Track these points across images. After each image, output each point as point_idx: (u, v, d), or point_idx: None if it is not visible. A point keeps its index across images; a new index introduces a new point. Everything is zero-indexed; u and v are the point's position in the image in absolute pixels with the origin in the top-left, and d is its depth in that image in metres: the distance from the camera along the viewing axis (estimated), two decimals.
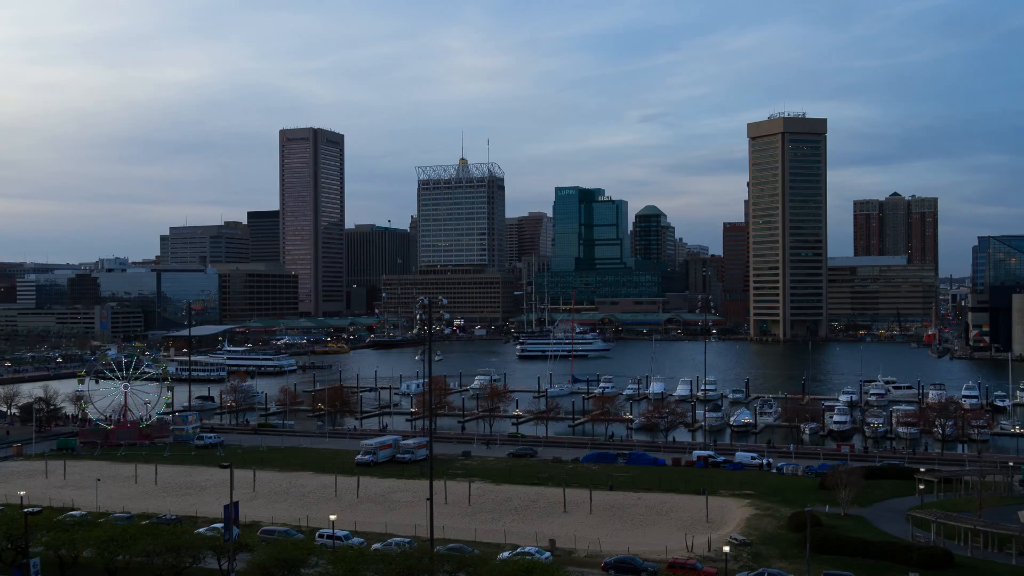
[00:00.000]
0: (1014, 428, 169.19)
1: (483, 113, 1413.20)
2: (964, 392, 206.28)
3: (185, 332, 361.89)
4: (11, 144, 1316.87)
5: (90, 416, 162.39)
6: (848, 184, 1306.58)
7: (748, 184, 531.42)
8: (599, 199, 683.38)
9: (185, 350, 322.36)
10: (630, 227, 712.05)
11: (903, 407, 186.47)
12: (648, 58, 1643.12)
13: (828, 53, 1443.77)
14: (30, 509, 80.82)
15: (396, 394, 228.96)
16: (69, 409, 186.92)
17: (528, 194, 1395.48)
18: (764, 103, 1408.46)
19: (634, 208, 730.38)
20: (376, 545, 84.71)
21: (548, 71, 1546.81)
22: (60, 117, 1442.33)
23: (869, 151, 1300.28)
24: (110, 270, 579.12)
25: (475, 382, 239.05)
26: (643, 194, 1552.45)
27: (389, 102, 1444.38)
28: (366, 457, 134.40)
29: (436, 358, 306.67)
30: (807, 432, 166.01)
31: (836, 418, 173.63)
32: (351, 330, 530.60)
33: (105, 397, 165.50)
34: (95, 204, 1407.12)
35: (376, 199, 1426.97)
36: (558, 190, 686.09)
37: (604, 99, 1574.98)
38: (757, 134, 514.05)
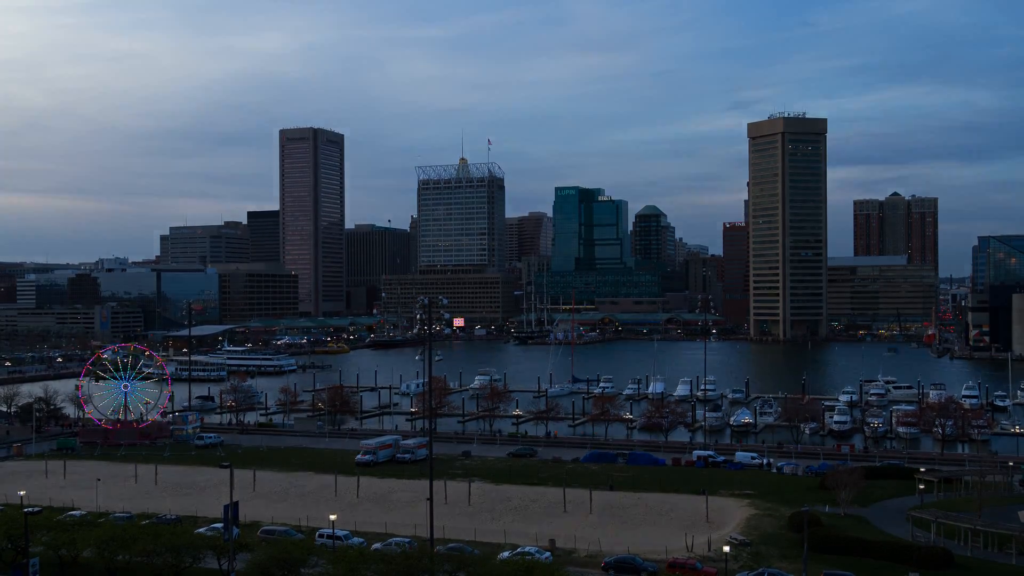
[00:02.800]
0: (1014, 428, 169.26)
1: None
2: (964, 392, 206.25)
3: (185, 332, 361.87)
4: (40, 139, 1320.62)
5: (91, 415, 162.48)
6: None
7: (748, 184, 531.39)
8: (599, 199, 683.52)
9: (185, 350, 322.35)
10: (630, 227, 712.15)
11: (903, 407, 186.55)
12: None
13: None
14: (30, 509, 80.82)
15: (396, 394, 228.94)
16: (69, 410, 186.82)
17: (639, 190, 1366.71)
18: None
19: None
20: (376, 545, 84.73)
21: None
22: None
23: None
24: (110, 270, 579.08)
25: (475, 382, 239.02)
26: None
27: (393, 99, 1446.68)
28: (366, 457, 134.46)
29: (436, 358, 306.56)
30: (807, 432, 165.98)
31: (836, 418, 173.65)
32: (351, 330, 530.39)
33: (105, 398, 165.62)
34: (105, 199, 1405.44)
35: (376, 199, 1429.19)
36: (558, 190, 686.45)
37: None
38: (757, 134, 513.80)
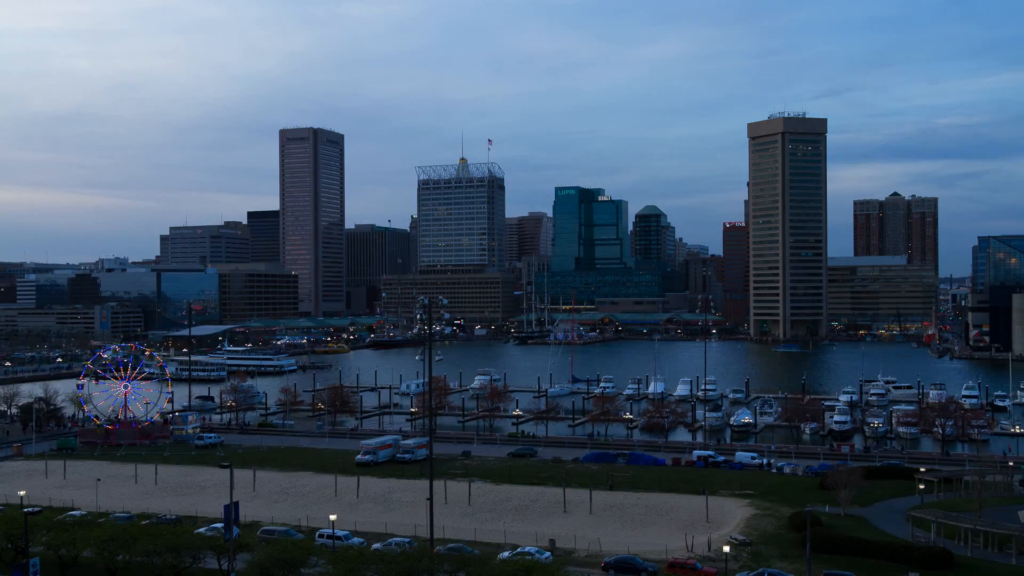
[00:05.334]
0: (1014, 428, 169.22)
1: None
2: (964, 392, 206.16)
3: (185, 332, 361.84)
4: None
5: (88, 414, 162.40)
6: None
7: (748, 184, 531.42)
8: (599, 199, 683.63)
9: (185, 350, 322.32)
10: (630, 227, 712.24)
11: (903, 407, 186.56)
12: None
13: None
14: (30, 509, 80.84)
15: (396, 394, 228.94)
16: (69, 410, 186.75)
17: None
18: None
19: None
20: (376, 545, 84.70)
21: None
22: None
23: None
24: (110, 270, 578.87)
25: (475, 382, 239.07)
26: None
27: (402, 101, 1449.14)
28: (366, 457, 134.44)
29: (436, 358, 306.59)
30: (807, 432, 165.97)
31: (836, 418, 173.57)
32: (351, 330, 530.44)
33: (105, 398, 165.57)
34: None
35: (376, 199, 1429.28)
36: (558, 190, 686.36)
37: None
38: (757, 134, 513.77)
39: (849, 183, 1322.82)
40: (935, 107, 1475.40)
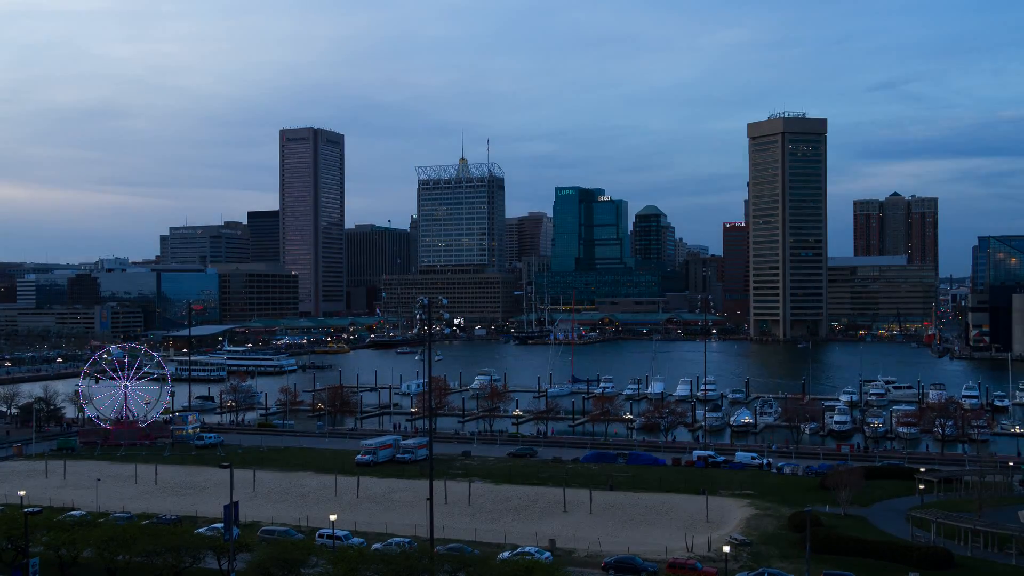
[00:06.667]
0: (1014, 428, 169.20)
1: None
2: (964, 392, 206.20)
3: (185, 332, 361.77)
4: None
5: (89, 414, 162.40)
6: None
7: (748, 184, 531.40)
8: (599, 199, 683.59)
9: (185, 350, 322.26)
10: (630, 227, 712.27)
11: (903, 407, 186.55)
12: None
13: None
14: (30, 509, 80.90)
15: (396, 394, 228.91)
16: (69, 411, 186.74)
17: None
18: None
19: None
20: (376, 545, 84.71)
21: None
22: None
23: None
24: (110, 270, 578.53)
25: (475, 382, 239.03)
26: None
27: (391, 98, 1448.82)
28: (366, 457, 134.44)
29: (436, 358, 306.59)
30: (807, 432, 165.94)
31: (836, 418, 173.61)
32: (351, 330, 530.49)
33: (105, 398, 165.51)
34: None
35: (376, 199, 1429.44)
36: (558, 190, 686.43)
37: None
38: (757, 134, 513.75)
39: (891, 179, 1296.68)
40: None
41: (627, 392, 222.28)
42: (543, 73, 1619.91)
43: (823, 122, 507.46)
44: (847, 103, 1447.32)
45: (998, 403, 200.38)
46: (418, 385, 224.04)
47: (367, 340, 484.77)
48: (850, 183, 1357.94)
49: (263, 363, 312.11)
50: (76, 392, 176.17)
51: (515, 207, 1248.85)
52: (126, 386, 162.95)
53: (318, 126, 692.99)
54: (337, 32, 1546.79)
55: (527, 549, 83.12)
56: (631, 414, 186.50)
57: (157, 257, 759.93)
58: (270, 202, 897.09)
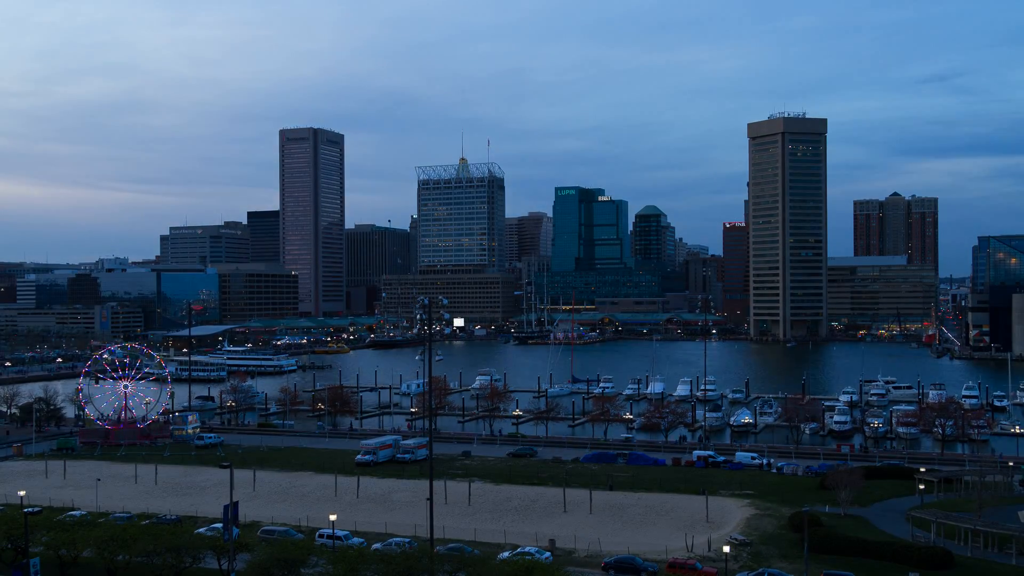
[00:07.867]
0: (1014, 428, 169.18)
1: None
2: (964, 392, 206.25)
3: (185, 332, 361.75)
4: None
5: (89, 415, 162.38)
6: None
7: (748, 184, 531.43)
8: (599, 199, 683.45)
9: (185, 350, 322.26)
10: (630, 227, 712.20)
11: (903, 407, 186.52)
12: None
13: None
14: (30, 509, 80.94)
15: (396, 394, 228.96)
16: (69, 411, 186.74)
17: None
18: None
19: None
20: (376, 545, 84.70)
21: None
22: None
23: None
24: (110, 270, 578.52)
25: (475, 382, 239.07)
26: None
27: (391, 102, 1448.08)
28: (366, 457, 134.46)
29: (436, 358, 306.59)
30: (807, 432, 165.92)
31: (836, 418, 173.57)
32: (351, 330, 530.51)
33: (105, 398, 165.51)
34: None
35: (376, 199, 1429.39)
36: (558, 190, 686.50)
37: None
38: (757, 134, 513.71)
39: (932, 176, 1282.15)
40: None
41: (627, 392, 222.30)
42: (543, 72, 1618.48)
43: (823, 122, 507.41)
44: (891, 96, 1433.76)
45: (998, 403, 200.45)
46: (418, 385, 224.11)
47: (367, 340, 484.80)
48: (890, 179, 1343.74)
49: (263, 363, 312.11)
50: (76, 392, 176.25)
51: (515, 207, 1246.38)
52: (126, 386, 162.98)
53: (318, 125, 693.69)
54: (337, 31, 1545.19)
55: (527, 549, 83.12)
56: (631, 414, 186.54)
57: (157, 257, 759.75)
58: (270, 202, 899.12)
